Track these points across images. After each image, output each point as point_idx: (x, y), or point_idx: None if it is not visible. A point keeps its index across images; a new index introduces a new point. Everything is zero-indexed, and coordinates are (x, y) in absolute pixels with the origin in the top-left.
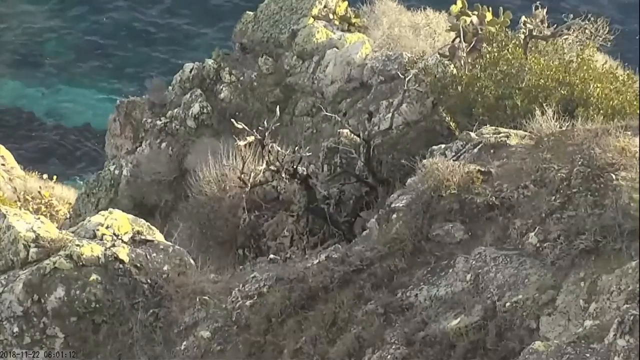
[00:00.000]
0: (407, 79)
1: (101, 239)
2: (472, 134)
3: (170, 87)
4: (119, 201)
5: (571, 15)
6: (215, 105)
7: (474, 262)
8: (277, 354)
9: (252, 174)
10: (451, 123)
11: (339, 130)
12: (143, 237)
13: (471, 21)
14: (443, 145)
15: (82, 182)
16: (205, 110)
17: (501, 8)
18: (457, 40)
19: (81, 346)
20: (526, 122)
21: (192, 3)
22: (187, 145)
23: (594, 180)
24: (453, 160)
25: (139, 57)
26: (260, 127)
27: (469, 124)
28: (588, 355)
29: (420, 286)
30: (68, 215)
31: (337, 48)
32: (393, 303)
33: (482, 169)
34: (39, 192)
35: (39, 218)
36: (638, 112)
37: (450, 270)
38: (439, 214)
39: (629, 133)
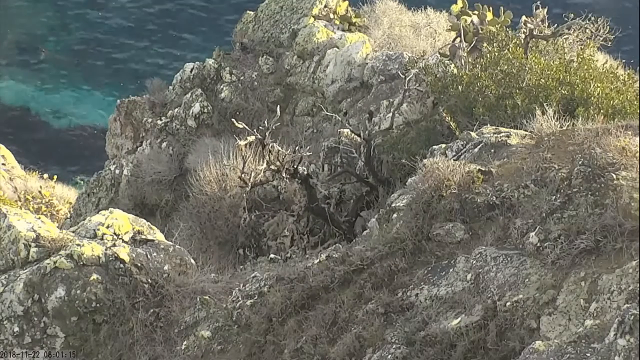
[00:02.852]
0: (407, 79)
1: (102, 239)
2: (473, 134)
3: (170, 87)
4: (119, 201)
5: (572, 15)
6: (215, 104)
7: (474, 262)
8: (277, 354)
9: (253, 174)
10: (452, 123)
11: (339, 130)
12: (144, 237)
13: (472, 21)
14: (443, 145)
15: (82, 182)
16: (205, 110)
17: (502, 8)
18: (458, 39)
19: (82, 346)
20: (527, 122)
21: (193, 2)
22: (187, 145)
23: (594, 179)
24: (453, 160)
25: (139, 56)
26: (260, 127)
27: (469, 124)
28: (588, 354)
29: (421, 286)
30: (68, 215)
31: (338, 48)
32: (393, 303)
33: (483, 169)
34: (40, 191)
35: (39, 218)
36: (638, 111)
37: (451, 270)
38: (440, 214)
39: (630, 133)
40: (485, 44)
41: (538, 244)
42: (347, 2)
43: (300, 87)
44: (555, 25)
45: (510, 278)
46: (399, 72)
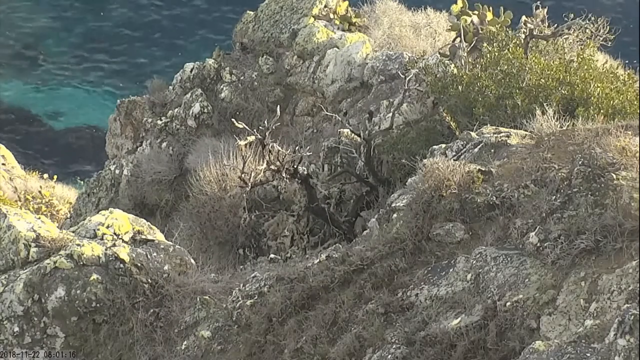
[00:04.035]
0: (407, 79)
1: (102, 239)
2: (473, 134)
3: (170, 87)
4: (119, 201)
5: (572, 15)
6: (215, 104)
7: (474, 262)
8: (277, 354)
9: (253, 174)
10: (452, 123)
11: (339, 130)
12: (143, 237)
13: (472, 21)
14: (443, 145)
15: (82, 182)
16: (205, 110)
17: (502, 8)
18: (458, 39)
19: (82, 346)
20: (527, 122)
21: (194, 2)
22: (187, 145)
23: (594, 179)
24: (453, 160)
25: (139, 56)
26: (260, 127)
27: (469, 124)
28: (588, 354)
29: (421, 286)
30: (68, 215)
31: (338, 48)
32: (393, 303)
33: (483, 169)
34: (40, 191)
35: (39, 218)
36: (638, 111)
37: (451, 270)
38: (440, 214)
39: (630, 133)
40: (485, 44)
41: (538, 244)
42: (347, 2)
43: (300, 87)
44: (556, 25)
45: (510, 278)
46: (399, 72)
